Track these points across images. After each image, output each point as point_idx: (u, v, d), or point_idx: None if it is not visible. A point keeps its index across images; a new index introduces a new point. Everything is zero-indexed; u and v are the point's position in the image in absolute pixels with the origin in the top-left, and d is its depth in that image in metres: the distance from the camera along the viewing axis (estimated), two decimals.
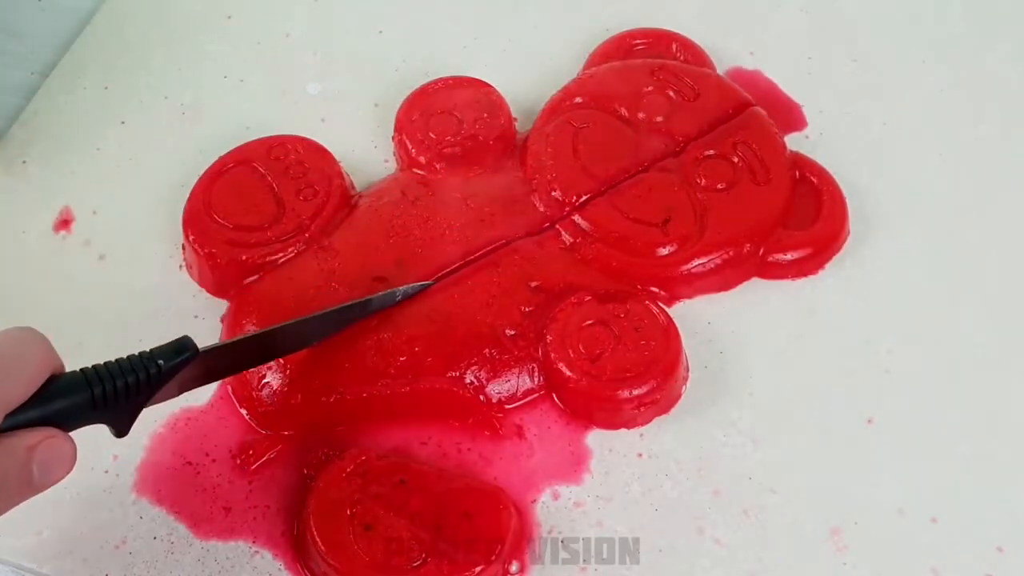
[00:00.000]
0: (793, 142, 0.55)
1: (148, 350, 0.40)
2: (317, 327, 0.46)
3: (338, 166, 0.53)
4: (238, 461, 0.46)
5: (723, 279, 0.50)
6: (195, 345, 0.40)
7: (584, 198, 0.51)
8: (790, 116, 0.56)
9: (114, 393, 0.39)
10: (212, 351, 0.41)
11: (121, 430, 0.40)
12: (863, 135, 0.56)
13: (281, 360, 0.46)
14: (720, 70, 0.57)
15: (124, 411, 0.39)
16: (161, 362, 0.39)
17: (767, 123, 0.54)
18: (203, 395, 0.48)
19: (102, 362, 0.39)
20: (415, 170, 0.53)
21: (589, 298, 0.48)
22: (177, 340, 0.40)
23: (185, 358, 0.40)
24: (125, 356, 0.39)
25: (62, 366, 0.38)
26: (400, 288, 0.48)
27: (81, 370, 0.38)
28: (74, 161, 0.56)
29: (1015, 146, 0.55)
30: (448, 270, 0.49)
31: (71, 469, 0.37)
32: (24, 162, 0.55)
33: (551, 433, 0.47)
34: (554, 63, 0.58)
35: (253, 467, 0.46)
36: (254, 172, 0.52)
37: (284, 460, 0.46)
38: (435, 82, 0.56)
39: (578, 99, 0.54)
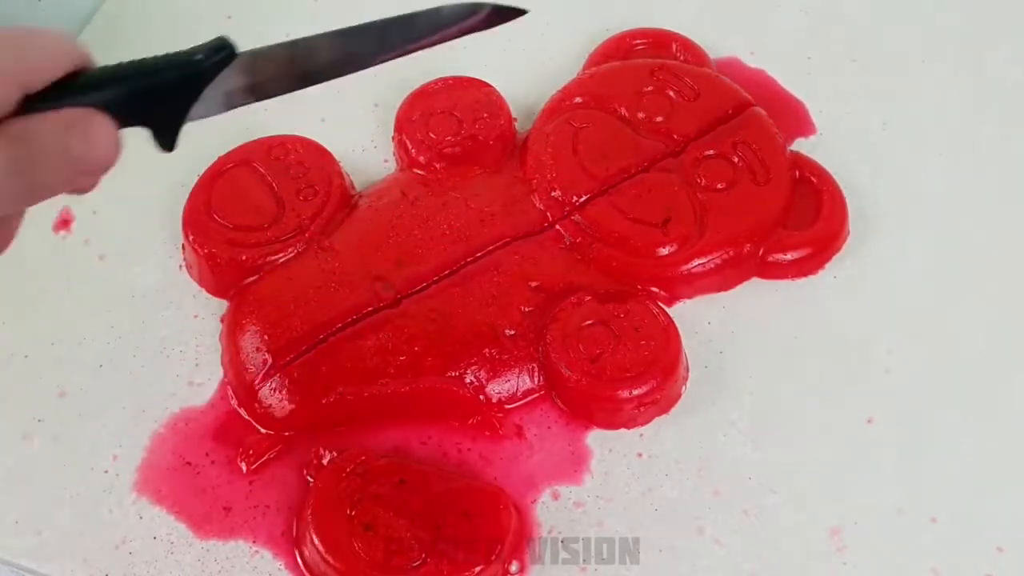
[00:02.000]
0: (793, 142, 0.55)
1: (188, 49, 0.37)
2: (369, 42, 0.41)
3: (338, 166, 0.53)
4: (238, 461, 0.46)
5: (723, 279, 0.50)
6: (233, 45, 0.37)
7: (584, 198, 0.51)
8: (799, 121, 0.56)
9: (152, 88, 0.36)
10: (254, 54, 0.38)
11: (166, 142, 0.37)
12: (863, 135, 0.56)
13: (281, 360, 0.46)
14: (724, 70, 0.57)
15: (167, 117, 0.37)
16: (200, 57, 0.36)
17: (767, 123, 0.54)
18: (203, 395, 0.48)
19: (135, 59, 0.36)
20: (415, 170, 0.53)
21: (589, 298, 0.48)
22: (216, 39, 0.37)
23: (225, 55, 0.37)
24: (161, 54, 0.36)
25: (91, 64, 0.35)
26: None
27: (116, 64, 0.36)
28: None
29: (1015, 146, 0.55)
30: (448, 270, 0.49)
31: (118, 151, 0.35)
32: None
33: (551, 433, 0.47)
34: (554, 63, 0.58)
35: (253, 467, 0.46)
36: (254, 172, 0.52)
37: (284, 460, 0.46)
38: (435, 82, 0.56)
39: (578, 99, 0.54)
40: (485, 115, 0.54)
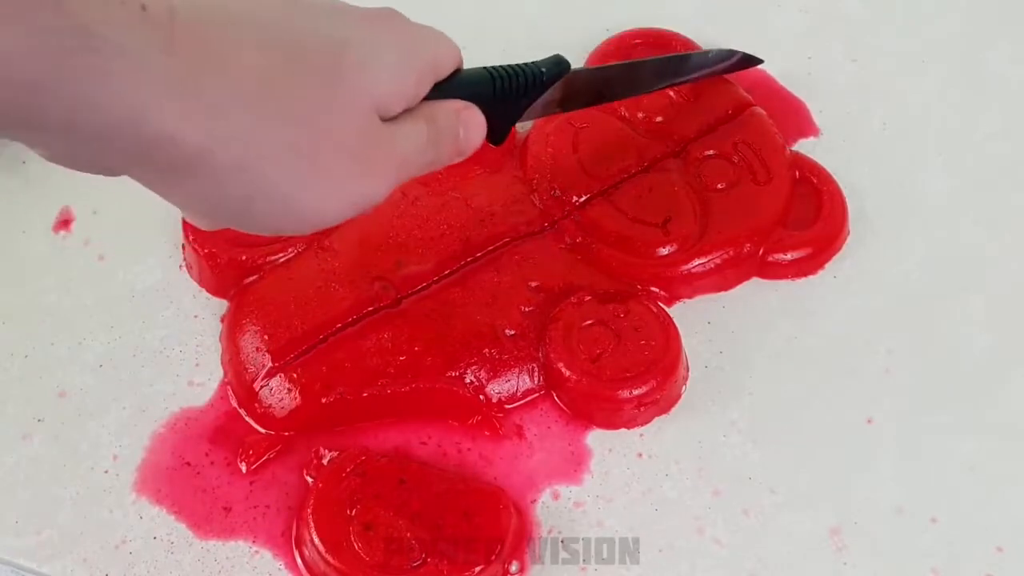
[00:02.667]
0: (796, 143, 0.55)
1: (532, 62, 0.44)
2: (649, 74, 0.51)
3: None
4: (238, 461, 0.46)
5: (723, 279, 0.50)
6: (567, 61, 0.45)
7: (584, 198, 0.51)
8: (800, 121, 0.56)
9: (507, 90, 0.42)
10: (577, 72, 0.47)
11: (499, 137, 0.43)
12: (863, 135, 0.56)
13: (281, 360, 0.46)
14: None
15: (506, 114, 0.43)
16: (544, 69, 0.44)
17: (767, 123, 0.54)
18: (203, 395, 0.48)
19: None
20: None
21: (589, 298, 0.48)
22: (555, 55, 0.45)
23: (562, 70, 0.44)
24: (514, 64, 0.44)
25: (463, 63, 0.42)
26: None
27: (483, 67, 0.42)
28: None
29: (1015, 146, 0.55)
30: (448, 270, 0.49)
31: (482, 139, 0.42)
32: (24, 162, 0.55)
33: (551, 433, 0.47)
34: None
35: (253, 467, 0.46)
36: None
37: (284, 460, 0.46)
38: None
39: None
40: None
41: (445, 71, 0.40)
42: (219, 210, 0.36)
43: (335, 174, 0.36)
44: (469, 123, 0.41)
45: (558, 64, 0.44)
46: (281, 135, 0.34)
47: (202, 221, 0.37)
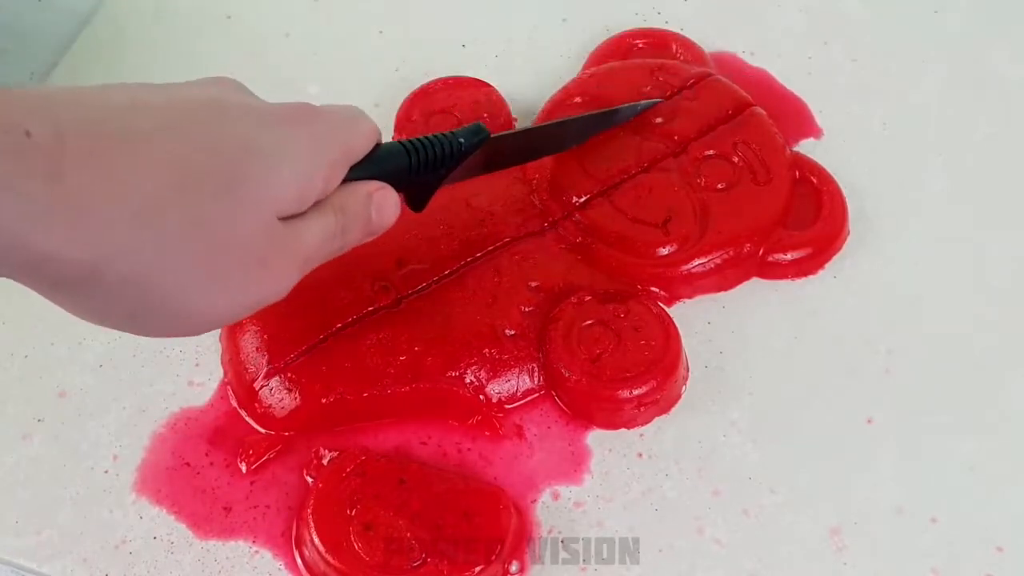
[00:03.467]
0: (798, 143, 0.55)
1: (451, 132, 0.45)
2: (576, 130, 0.52)
3: None
4: (238, 461, 0.46)
5: (723, 279, 0.50)
6: (488, 130, 0.46)
7: (584, 198, 0.51)
8: (802, 122, 0.56)
9: (424, 162, 0.43)
10: (499, 138, 0.47)
11: (419, 205, 0.45)
12: (863, 135, 0.56)
13: (281, 360, 0.46)
14: (723, 67, 0.57)
15: (426, 184, 0.45)
16: (462, 140, 0.45)
17: (767, 123, 0.54)
18: (203, 395, 0.48)
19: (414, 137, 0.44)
20: None
21: (589, 298, 0.48)
22: (474, 124, 0.46)
23: (481, 139, 0.45)
24: (431, 135, 0.45)
25: (381, 138, 0.43)
26: (640, 103, 0.53)
27: (399, 141, 0.43)
28: None
29: (1015, 146, 0.55)
30: (448, 270, 0.49)
31: (396, 216, 0.42)
32: None
33: (551, 433, 0.47)
34: (554, 63, 0.58)
35: (253, 467, 0.46)
36: None
37: (284, 460, 0.46)
38: (435, 82, 0.56)
39: (578, 99, 0.54)
40: (485, 115, 0.54)
41: (360, 154, 0.41)
42: (107, 318, 0.35)
43: (232, 281, 0.36)
44: (382, 205, 0.41)
45: (476, 133, 0.45)
46: (174, 250, 0.34)
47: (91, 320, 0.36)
